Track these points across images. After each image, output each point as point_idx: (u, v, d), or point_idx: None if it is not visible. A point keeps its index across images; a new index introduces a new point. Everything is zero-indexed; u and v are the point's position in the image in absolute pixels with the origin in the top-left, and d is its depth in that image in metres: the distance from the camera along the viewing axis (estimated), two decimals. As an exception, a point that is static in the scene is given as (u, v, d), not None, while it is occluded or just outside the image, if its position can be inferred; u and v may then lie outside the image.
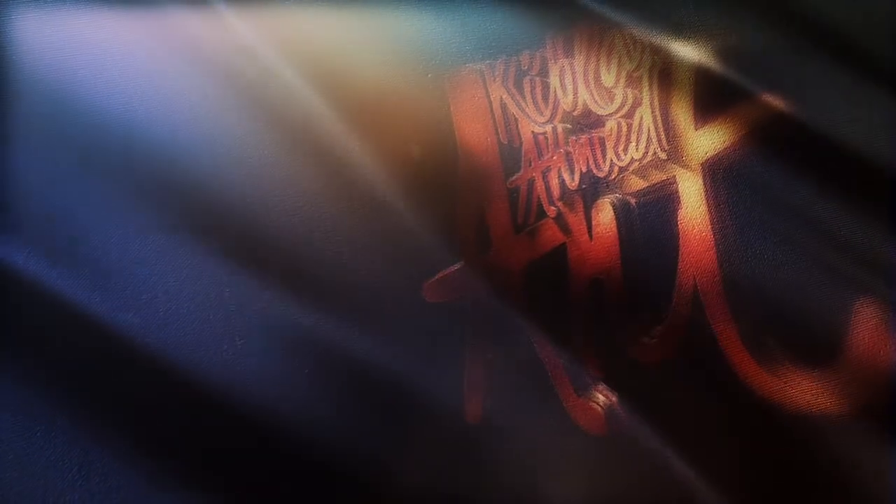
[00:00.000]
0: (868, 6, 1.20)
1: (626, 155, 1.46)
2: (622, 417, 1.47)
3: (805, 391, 1.33)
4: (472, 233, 1.56)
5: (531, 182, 1.52)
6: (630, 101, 1.44)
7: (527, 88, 1.51)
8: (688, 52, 1.41)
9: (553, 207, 1.50)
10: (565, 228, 1.51)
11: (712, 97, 1.37)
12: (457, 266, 1.55)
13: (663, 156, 1.41)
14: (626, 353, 1.44)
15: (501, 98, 1.53)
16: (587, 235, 1.49)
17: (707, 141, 1.37)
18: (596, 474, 1.48)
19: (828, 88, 1.25)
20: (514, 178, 1.54)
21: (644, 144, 1.44)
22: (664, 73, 1.41)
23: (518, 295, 1.54)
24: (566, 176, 1.49)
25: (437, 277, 1.54)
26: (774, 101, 1.33)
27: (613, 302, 1.46)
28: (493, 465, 1.50)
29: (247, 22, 1.48)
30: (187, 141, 1.46)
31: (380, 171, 1.51)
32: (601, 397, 1.49)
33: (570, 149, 1.49)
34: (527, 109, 1.52)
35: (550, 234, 1.52)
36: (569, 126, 1.49)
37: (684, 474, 1.42)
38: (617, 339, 1.46)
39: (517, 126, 1.53)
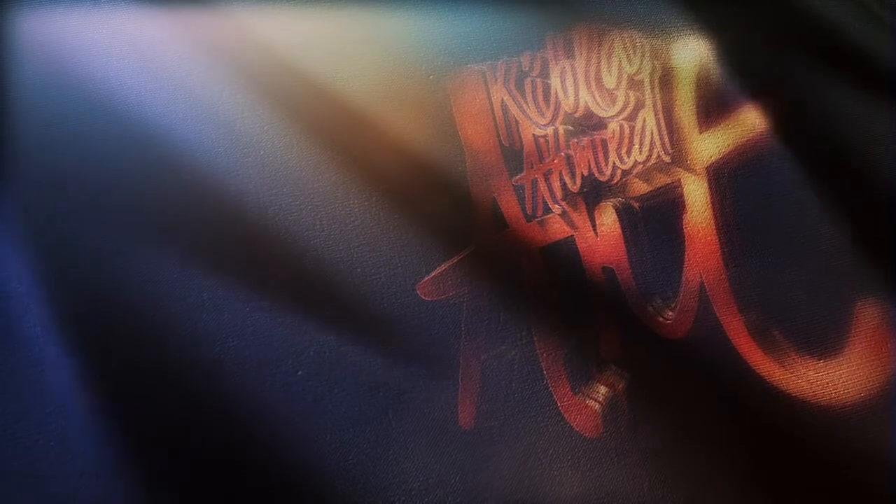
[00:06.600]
0: (869, 8, 1.29)
1: (629, 157, 1.47)
2: (620, 415, 1.43)
3: (810, 382, 1.35)
4: (489, 214, 1.51)
5: (535, 182, 1.51)
6: (632, 103, 1.47)
7: (528, 89, 1.51)
8: (690, 55, 1.46)
9: (557, 206, 1.49)
10: (572, 224, 1.49)
11: (715, 101, 1.42)
12: (458, 258, 1.49)
13: (667, 159, 1.44)
14: (644, 327, 1.44)
15: (503, 100, 1.53)
16: (592, 232, 1.47)
17: (711, 144, 1.41)
18: (588, 476, 1.43)
19: (830, 90, 1.33)
20: (518, 177, 1.52)
21: (647, 147, 1.46)
22: (666, 76, 1.45)
23: (535, 274, 1.49)
24: (567, 179, 1.49)
25: (434, 273, 1.47)
26: (778, 103, 1.40)
27: (624, 289, 1.45)
28: (487, 468, 1.43)
29: (250, 22, 1.44)
30: (188, 140, 1.39)
31: (383, 169, 1.46)
32: (600, 393, 1.45)
33: (572, 152, 1.49)
34: (528, 111, 1.51)
35: (559, 227, 1.50)
36: (570, 128, 1.50)
37: (681, 470, 1.40)
38: (634, 315, 1.45)
39: (518, 129, 1.52)
